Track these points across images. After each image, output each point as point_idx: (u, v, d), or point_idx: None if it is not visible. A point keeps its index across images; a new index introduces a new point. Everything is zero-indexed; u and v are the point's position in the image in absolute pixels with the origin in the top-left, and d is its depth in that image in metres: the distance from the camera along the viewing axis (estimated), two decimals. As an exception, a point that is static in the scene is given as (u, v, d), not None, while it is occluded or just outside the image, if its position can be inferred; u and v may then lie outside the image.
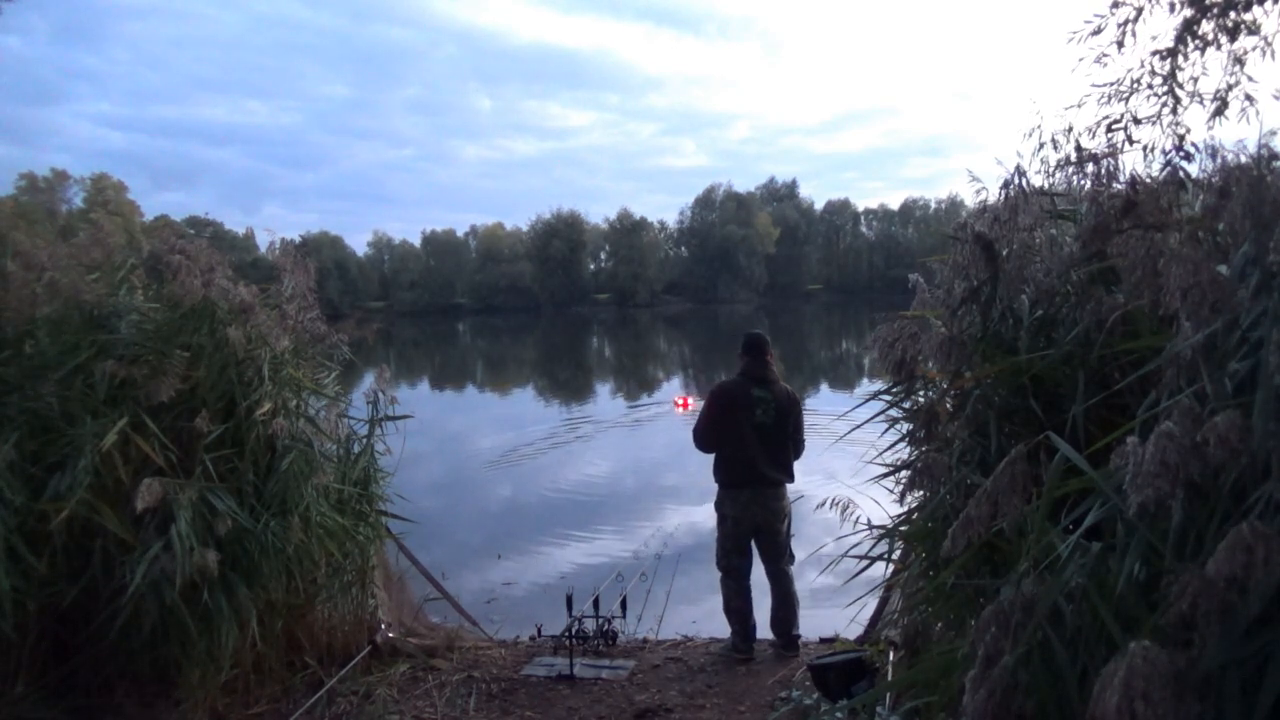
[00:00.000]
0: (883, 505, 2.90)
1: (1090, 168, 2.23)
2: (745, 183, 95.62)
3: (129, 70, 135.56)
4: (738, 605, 4.45)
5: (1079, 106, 2.23)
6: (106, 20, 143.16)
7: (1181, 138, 2.05)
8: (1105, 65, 2.11)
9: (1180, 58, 2.01)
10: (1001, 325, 2.36)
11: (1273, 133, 1.88)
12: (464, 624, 4.93)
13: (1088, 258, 2.12)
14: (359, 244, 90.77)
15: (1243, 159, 1.82)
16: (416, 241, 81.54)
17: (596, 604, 4.54)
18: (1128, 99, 2.11)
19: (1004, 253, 2.36)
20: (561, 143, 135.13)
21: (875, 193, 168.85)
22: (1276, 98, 1.92)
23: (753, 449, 4.36)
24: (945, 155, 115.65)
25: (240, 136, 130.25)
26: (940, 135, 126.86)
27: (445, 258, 79.63)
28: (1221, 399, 1.43)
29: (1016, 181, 2.30)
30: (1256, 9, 1.92)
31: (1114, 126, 2.15)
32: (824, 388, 20.40)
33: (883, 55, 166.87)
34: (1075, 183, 2.35)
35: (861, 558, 2.74)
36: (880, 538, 2.74)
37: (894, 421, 2.86)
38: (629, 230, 77.24)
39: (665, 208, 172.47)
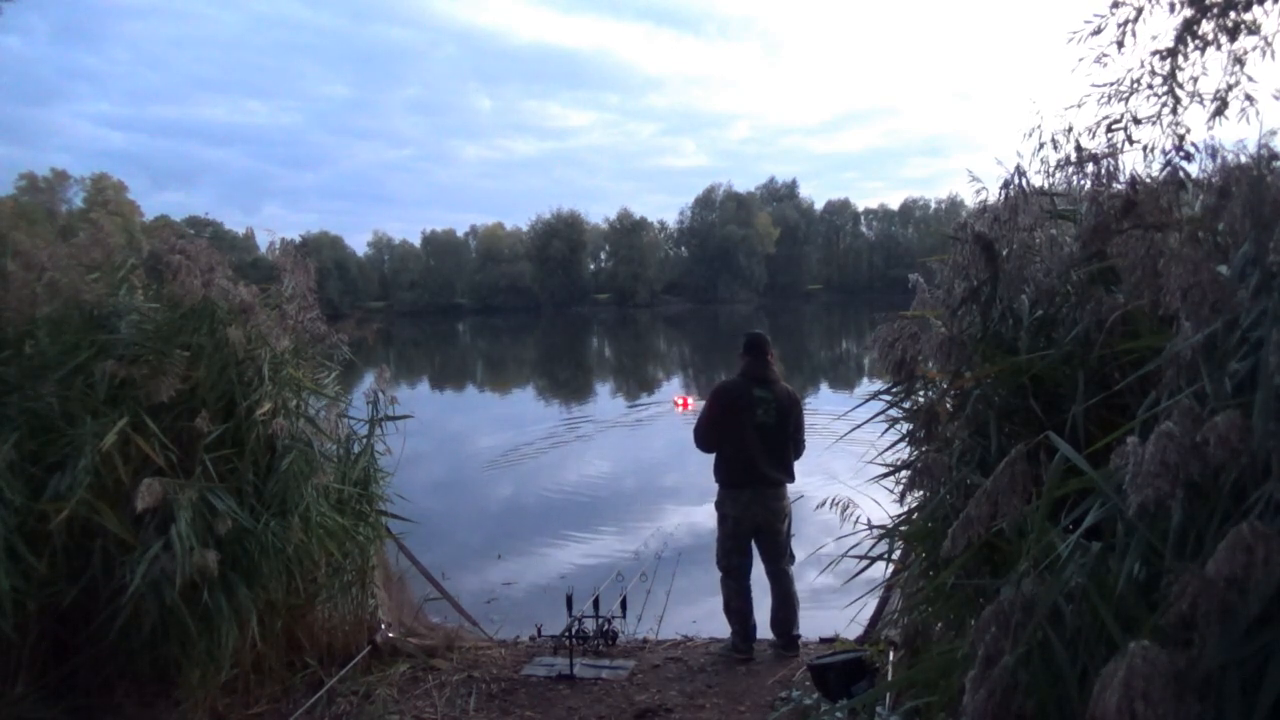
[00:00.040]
0: (883, 505, 2.90)
1: (1090, 168, 2.23)
2: (745, 183, 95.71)
3: (129, 70, 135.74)
4: (738, 605, 4.45)
5: (1079, 106, 2.23)
6: (106, 20, 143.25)
7: (1181, 138, 2.05)
8: (1105, 65, 2.11)
9: (1180, 58, 2.01)
10: (1001, 325, 2.37)
11: (1273, 133, 1.88)
12: (464, 624, 4.93)
13: (1088, 258, 2.12)
14: (359, 244, 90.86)
15: (1243, 159, 1.81)
16: (416, 241, 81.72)
17: (596, 604, 4.54)
18: (1128, 99, 2.11)
19: (1004, 253, 2.37)
20: (561, 143, 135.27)
21: (875, 193, 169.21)
22: (1276, 98, 1.92)
23: (754, 449, 4.36)
24: (945, 155, 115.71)
25: (240, 136, 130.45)
26: (940, 135, 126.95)
27: (445, 258, 79.64)
28: (1221, 399, 1.43)
29: (1016, 181, 2.30)
30: (1256, 9, 1.92)
31: (1114, 126, 2.15)
32: (824, 388, 20.39)
33: (883, 55, 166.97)
34: (1075, 183, 2.35)
35: (861, 558, 2.74)
36: (880, 538, 2.74)
37: (894, 421, 2.86)
38: (629, 230, 77.26)
39: (665, 208, 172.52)
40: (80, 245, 3.98)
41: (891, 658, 3.10)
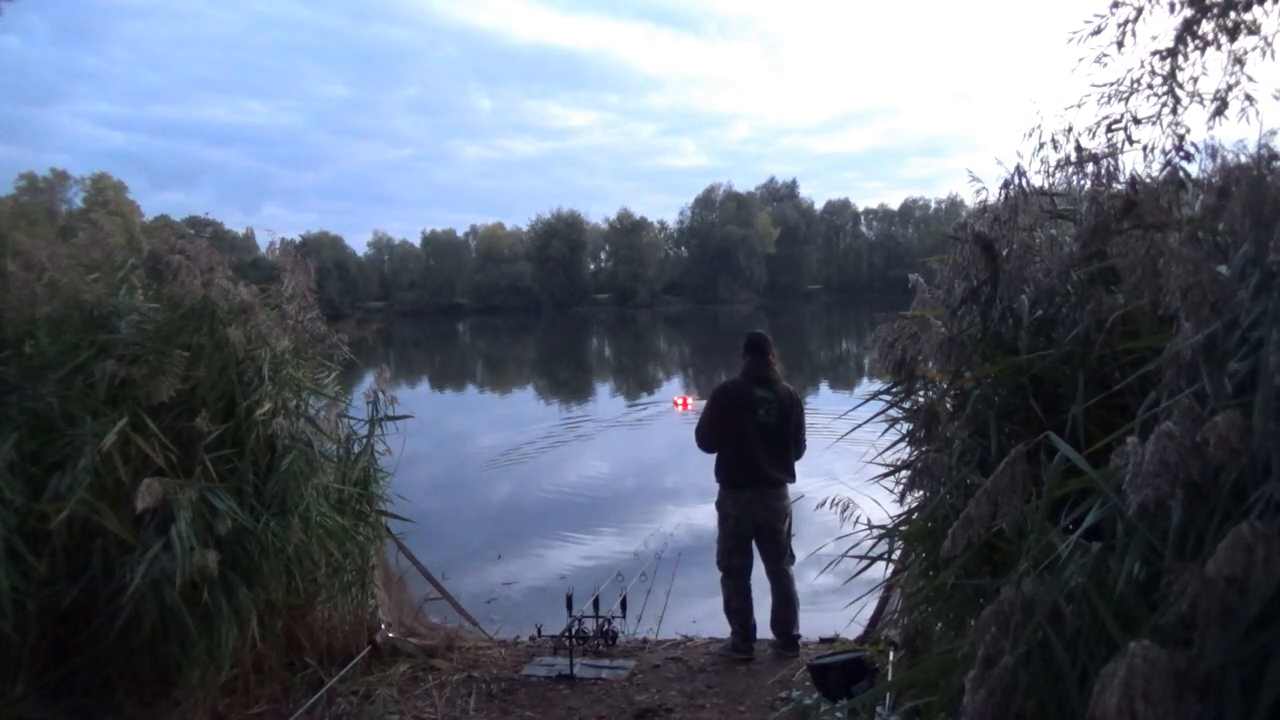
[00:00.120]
0: (883, 505, 2.90)
1: (1090, 168, 2.23)
2: (745, 183, 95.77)
3: (129, 70, 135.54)
4: (738, 605, 4.45)
5: (1079, 106, 2.24)
6: (106, 20, 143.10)
7: (1181, 138, 2.05)
8: (1105, 65, 2.11)
9: (1180, 58, 2.01)
10: (1001, 325, 2.37)
11: (1273, 133, 1.88)
12: (464, 624, 4.93)
13: (1088, 258, 2.12)
14: (359, 244, 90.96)
15: (1243, 159, 1.82)
16: (416, 241, 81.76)
17: (596, 604, 4.54)
18: (1128, 99, 2.11)
19: (1004, 253, 2.37)
20: (561, 143, 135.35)
21: (875, 193, 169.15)
22: (1276, 98, 1.92)
23: (755, 449, 4.36)
24: (945, 155, 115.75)
25: (240, 136, 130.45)
26: (940, 135, 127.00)
27: (445, 258, 79.65)
28: (1221, 399, 1.43)
29: (1016, 181, 2.30)
30: (1256, 9, 1.92)
31: (1114, 126, 2.15)
32: (824, 388, 20.39)
33: (883, 55, 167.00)
34: (1075, 183, 2.35)
35: (861, 558, 2.74)
36: (880, 538, 2.74)
37: (894, 421, 2.86)
38: (629, 230, 77.28)
39: (665, 208, 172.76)
40: (80, 245, 3.98)
41: (891, 658, 3.10)
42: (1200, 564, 1.23)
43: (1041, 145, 2.39)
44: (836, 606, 4.07)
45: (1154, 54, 2.04)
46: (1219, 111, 1.99)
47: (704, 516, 6.09)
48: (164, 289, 3.89)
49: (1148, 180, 2.06)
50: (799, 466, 4.55)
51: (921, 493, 2.44)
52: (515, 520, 9.31)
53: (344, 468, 4.16)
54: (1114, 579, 1.44)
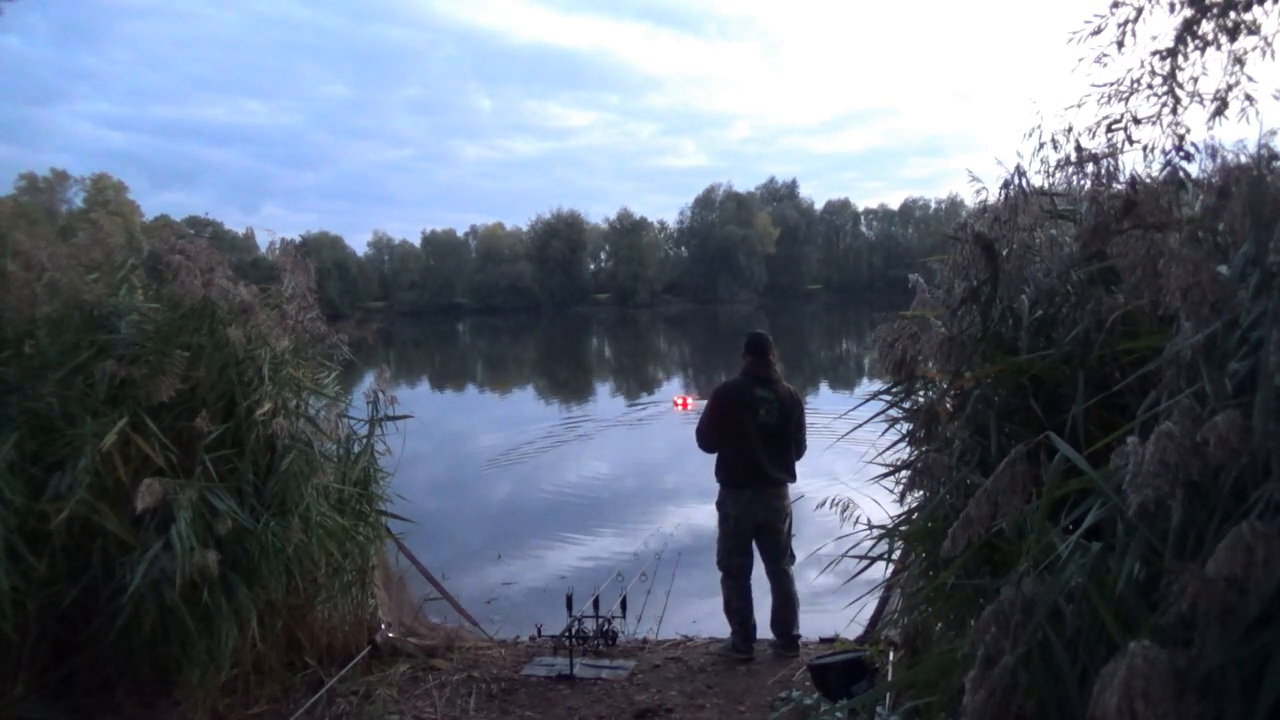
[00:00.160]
0: (883, 505, 2.90)
1: (1090, 168, 2.23)
2: (745, 183, 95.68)
3: (129, 70, 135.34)
4: (738, 605, 4.45)
5: (1079, 106, 2.24)
6: (106, 20, 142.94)
7: (1181, 138, 2.05)
8: (1105, 65, 2.11)
9: (1180, 58, 2.01)
10: (1001, 325, 2.36)
11: (1273, 133, 1.88)
12: (464, 624, 4.93)
13: (1088, 258, 2.12)
14: (359, 244, 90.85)
15: (1243, 159, 1.82)
16: (416, 241, 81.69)
17: (596, 604, 4.54)
18: (1128, 99, 2.11)
19: (1004, 253, 2.36)
20: (561, 143, 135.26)
21: (875, 193, 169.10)
22: (1276, 98, 1.92)
23: (756, 448, 4.36)
24: (945, 155, 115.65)
25: (240, 136, 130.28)
26: (940, 135, 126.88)
27: (445, 258, 79.62)
28: (1221, 399, 1.43)
29: (1016, 181, 2.30)
30: (1256, 9, 1.92)
31: (1114, 126, 2.15)
32: (824, 388, 20.39)
33: (883, 55, 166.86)
34: (1075, 183, 2.35)
35: (861, 558, 2.74)
36: (880, 538, 2.74)
37: (894, 421, 2.86)
38: (629, 230, 77.26)
39: (665, 208, 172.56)
40: (80, 245, 3.98)
41: (891, 658, 3.10)
42: (1200, 564, 1.23)
43: (1041, 145, 2.39)
44: (836, 606, 4.07)
45: (1154, 54, 2.04)
46: (1219, 111, 1.99)
47: (704, 516, 6.09)
48: (164, 289, 3.89)
49: (1148, 180, 2.06)
50: (799, 466, 4.55)
51: (921, 493, 2.44)
52: (515, 520, 9.31)
53: (344, 468, 4.16)
54: (1114, 579, 1.44)
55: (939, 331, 2.38)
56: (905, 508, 2.70)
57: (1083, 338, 2.06)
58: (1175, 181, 2.01)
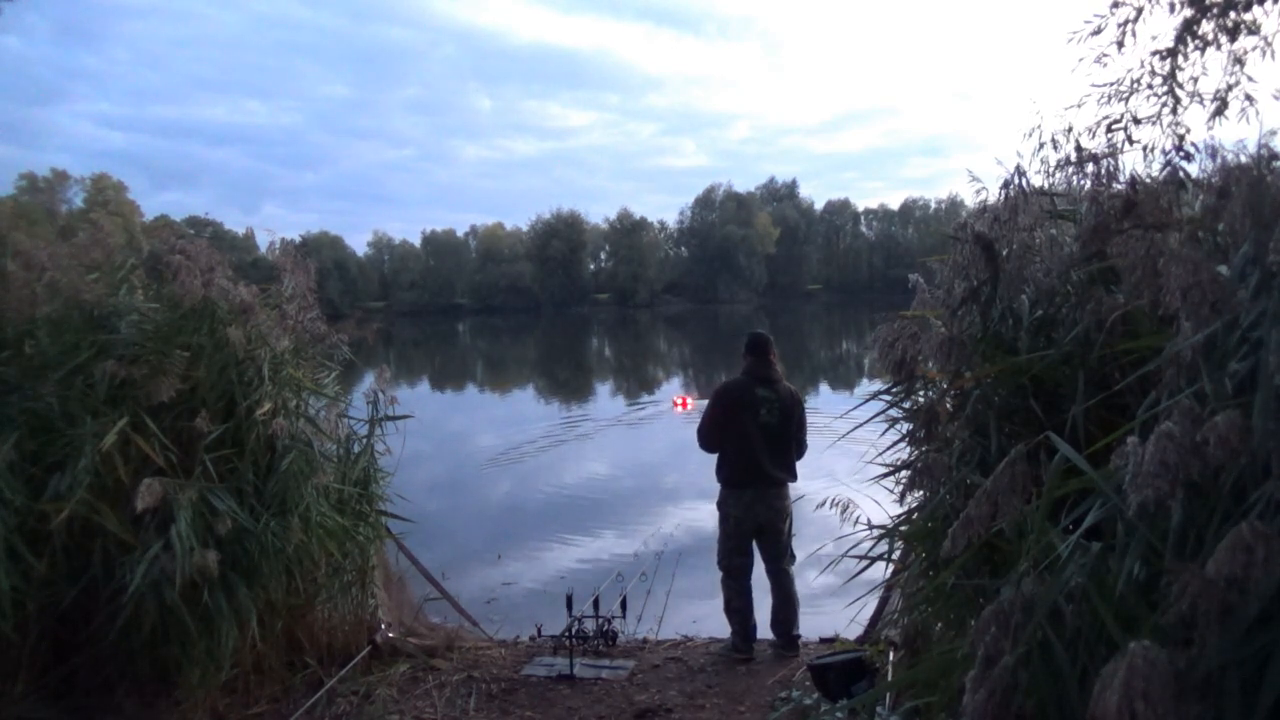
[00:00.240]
0: (883, 505, 2.90)
1: (1090, 168, 2.23)
2: (745, 183, 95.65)
3: (129, 70, 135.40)
4: (738, 605, 4.45)
5: (1079, 106, 2.23)
6: (106, 20, 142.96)
7: (1181, 138, 2.05)
8: (1105, 65, 2.11)
9: (1180, 58, 2.01)
10: (1001, 325, 2.36)
11: (1273, 133, 1.88)
12: (464, 624, 4.93)
13: (1088, 258, 2.12)
14: (359, 244, 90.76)
15: (1243, 159, 1.82)
16: (416, 241, 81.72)
17: (596, 604, 4.54)
18: (1128, 99, 2.11)
19: (1004, 253, 2.36)
20: (561, 143, 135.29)
21: (875, 193, 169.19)
22: (1276, 98, 1.92)
23: (757, 448, 4.36)
24: (945, 155, 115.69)
25: (240, 136, 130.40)
26: (940, 135, 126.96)
27: (445, 258, 79.63)
28: (1221, 399, 1.43)
29: (1016, 181, 2.30)
30: (1256, 9, 1.92)
31: (1114, 126, 2.15)
32: (824, 388, 20.39)
33: (883, 55, 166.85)
34: (1075, 183, 2.35)
35: (861, 558, 2.74)
36: (880, 538, 2.74)
37: (894, 421, 2.86)
38: (629, 230, 77.27)
39: (665, 208, 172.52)
40: (80, 245, 3.98)
41: (891, 658, 3.10)
42: (1200, 564, 1.23)
43: (1041, 145, 2.39)
44: (836, 606, 4.07)
45: (1154, 54, 2.04)
46: (1219, 111, 1.99)
47: (704, 516, 6.09)
48: (164, 289, 3.89)
49: (1148, 180, 2.06)
50: (799, 466, 4.55)
51: (921, 493, 2.44)
52: (515, 520, 9.32)
53: (344, 468, 4.16)
54: (1114, 579, 1.44)
55: (939, 331, 2.38)
56: (905, 508, 2.70)
57: (1083, 338, 2.06)
58: (1175, 181, 2.01)
